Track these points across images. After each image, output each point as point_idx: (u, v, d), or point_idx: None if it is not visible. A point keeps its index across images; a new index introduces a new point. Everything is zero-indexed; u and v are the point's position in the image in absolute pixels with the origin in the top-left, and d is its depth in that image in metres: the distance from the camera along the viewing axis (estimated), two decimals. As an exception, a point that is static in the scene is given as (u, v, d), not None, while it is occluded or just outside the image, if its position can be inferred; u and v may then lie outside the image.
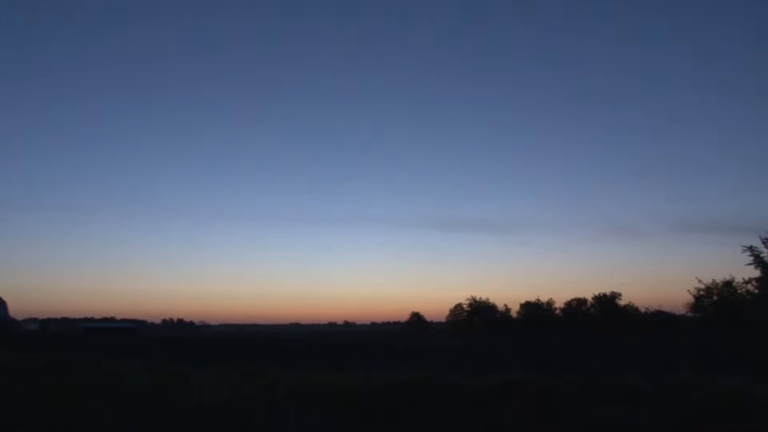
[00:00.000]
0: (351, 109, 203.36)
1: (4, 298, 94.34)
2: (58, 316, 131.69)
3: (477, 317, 71.46)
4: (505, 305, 73.71)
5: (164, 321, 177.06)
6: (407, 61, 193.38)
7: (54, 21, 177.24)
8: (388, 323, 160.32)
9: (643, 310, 62.00)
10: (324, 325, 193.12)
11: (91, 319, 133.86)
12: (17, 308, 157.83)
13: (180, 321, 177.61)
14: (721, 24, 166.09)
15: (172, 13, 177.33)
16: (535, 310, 68.16)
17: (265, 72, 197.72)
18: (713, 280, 49.47)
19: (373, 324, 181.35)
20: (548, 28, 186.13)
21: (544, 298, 69.27)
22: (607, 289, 63.90)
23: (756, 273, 36.30)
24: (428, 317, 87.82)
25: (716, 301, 48.56)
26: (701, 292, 49.68)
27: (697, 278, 53.83)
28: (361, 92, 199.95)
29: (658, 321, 58.41)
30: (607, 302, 62.43)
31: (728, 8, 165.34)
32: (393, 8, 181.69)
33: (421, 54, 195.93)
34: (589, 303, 64.79)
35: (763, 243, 34.58)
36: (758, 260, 34.88)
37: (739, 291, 47.01)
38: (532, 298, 69.89)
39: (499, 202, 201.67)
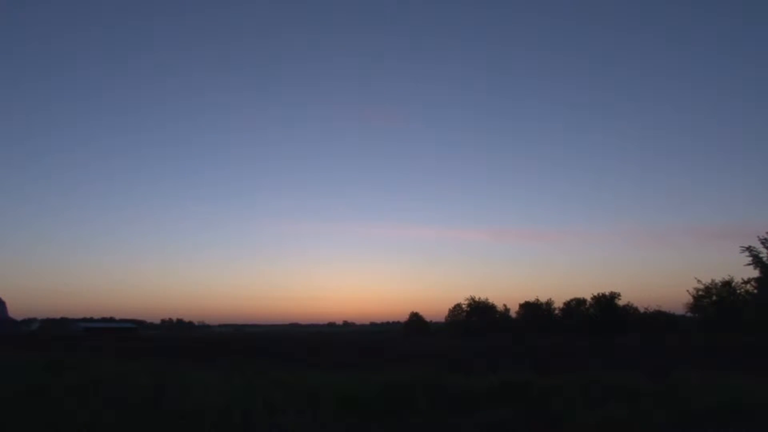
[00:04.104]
0: (352, 114, 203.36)
1: (4, 298, 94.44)
2: (58, 316, 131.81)
3: (476, 317, 71.52)
4: (504, 305, 73.89)
5: (163, 321, 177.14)
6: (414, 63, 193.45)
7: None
8: (388, 323, 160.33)
9: (642, 310, 62.06)
10: (324, 325, 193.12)
11: (91, 319, 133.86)
12: (17, 308, 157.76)
13: (179, 321, 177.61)
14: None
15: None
16: (534, 310, 68.21)
17: (267, 62, 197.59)
18: (712, 280, 49.57)
19: (373, 324, 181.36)
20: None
21: (543, 299, 69.36)
22: (606, 289, 63.94)
23: (755, 273, 36.44)
24: (427, 317, 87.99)
25: (715, 301, 48.59)
26: (700, 293, 49.73)
27: (696, 278, 53.90)
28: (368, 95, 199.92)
29: (657, 321, 58.44)
30: (606, 302, 62.44)
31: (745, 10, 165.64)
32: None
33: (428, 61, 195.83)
34: (588, 303, 64.80)
35: (762, 243, 34.69)
36: (757, 260, 34.97)
37: (738, 291, 47.07)
38: (531, 298, 69.98)
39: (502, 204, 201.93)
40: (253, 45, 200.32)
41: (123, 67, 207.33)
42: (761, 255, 34.79)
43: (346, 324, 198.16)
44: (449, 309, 75.64)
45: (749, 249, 34.95)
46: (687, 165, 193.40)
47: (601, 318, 60.40)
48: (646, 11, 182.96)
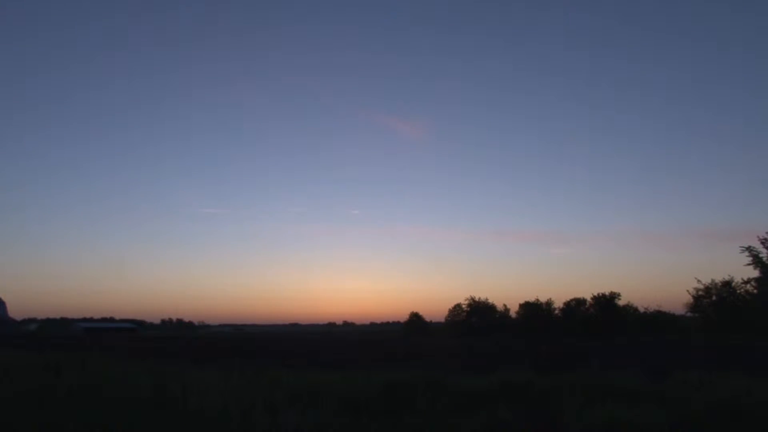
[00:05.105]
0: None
1: (4, 299, 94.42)
2: (58, 317, 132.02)
3: (476, 317, 71.53)
4: (504, 305, 73.86)
5: (163, 321, 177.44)
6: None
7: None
8: (388, 323, 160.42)
9: (642, 310, 62.11)
10: (324, 325, 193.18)
11: (91, 319, 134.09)
12: (16, 308, 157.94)
13: (179, 321, 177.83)
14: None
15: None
16: (534, 311, 68.20)
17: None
18: (712, 280, 49.55)
19: (373, 324, 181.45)
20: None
21: (543, 299, 69.34)
22: (606, 289, 63.92)
23: (755, 273, 36.50)
24: (427, 317, 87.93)
25: (715, 302, 48.61)
26: (700, 293, 49.74)
27: (696, 278, 53.88)
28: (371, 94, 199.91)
29: (657, 321, 58.49)
30: (606, 302, 62.47)
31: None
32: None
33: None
34: (588, 303, 64.83)
35: (762, 243, 34.73)
36: (757, 260, 35.02)
37: (738, 291, 47.09)
38: (531, 298, 69.98)
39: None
40: (259, 43, 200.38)
41: (122, 65, 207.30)
42: (761, 255, 34.83)
43: (346, 324, 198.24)
44: (449, 309, 75.71)
45: (749, 249, 35.02)
46: (687, 165, 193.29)
47: (601, 318, 60.42)
48: (648, 9, 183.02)
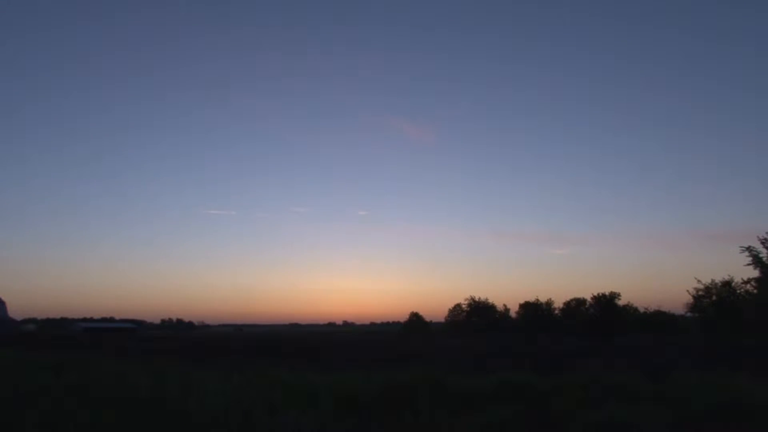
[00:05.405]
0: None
1: (4, 299, 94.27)
2: (57, 316, 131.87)
3: (476, 317, 71.46)
4: (504, 305, 73.79)
5: (163, 321, 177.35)
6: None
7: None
8: (388, 323, 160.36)
9: (642, 310, 62.04)
10: (324, 325, 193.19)
11: (91, 319, 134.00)
12: (16, 308, 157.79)
13: (179, 321, 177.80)
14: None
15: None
16: (534, 311, 68.12)
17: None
18: (712, 280, 49.36)
19: (373, 324, 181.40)
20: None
21: (543, 299, 69.25)
22: (606, 289, 63.84)
23: (755, 273, 36.37)
24: (427, 317, 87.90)
25: (715, 302, 48.47)
26: (700, 293, 49.59)
27: (696, 278, 53.74)
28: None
29: (657, 321, 58.44)
30: (606, 302, 62.37)
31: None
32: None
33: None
34: (588, 303, 64.74)
35: (762, 243, 34.64)
36: (757, 260, 34.92)
37: (738, 291, 46.97)
38: (531, 298, 69.89)
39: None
40: (263, 44, 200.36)
41: (124, 64, 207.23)
42: (761, 255, 34.73)
43: (346, 324, 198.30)
44: (449, 309, 75.62)
45: (749, 249, 34.90)
46: (687, 165, 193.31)
47: (601, 318, 60.33)
48: (648, 9, 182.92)
